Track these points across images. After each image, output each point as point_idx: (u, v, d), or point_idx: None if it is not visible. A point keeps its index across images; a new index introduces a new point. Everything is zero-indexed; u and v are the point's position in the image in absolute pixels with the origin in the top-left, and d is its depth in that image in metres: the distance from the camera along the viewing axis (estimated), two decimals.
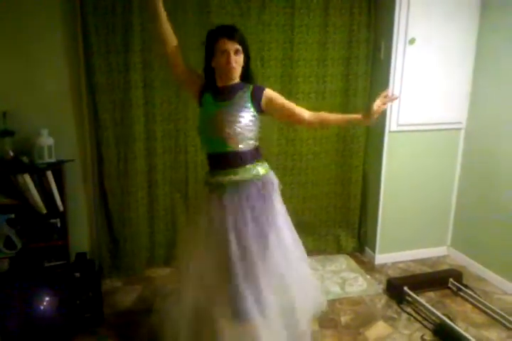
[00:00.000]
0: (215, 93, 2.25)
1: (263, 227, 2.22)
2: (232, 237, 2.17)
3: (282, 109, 2.25)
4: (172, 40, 2.26)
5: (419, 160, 3.69)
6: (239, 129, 2.17)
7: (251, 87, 2.24)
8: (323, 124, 2.36)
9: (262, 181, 2.27)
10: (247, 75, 2.26)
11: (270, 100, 2.23)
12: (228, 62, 2.12)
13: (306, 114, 2.25)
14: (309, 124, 2.29)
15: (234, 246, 2.17)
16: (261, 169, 2.29)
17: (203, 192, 2.37)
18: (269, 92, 2.24)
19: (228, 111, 2.18)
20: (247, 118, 2.19)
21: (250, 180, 2.24)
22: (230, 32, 2.13)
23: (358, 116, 2.25)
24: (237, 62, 2.15)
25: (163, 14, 2.19)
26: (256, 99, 2.21)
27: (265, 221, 2.24)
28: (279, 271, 2.26)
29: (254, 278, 2.18)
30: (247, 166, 2.25)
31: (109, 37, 3.09)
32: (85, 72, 3.15)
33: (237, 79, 2.23)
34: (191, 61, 3.28)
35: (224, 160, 2.25)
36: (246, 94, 2.22)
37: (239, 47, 2.13)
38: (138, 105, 3.25)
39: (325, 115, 2.26)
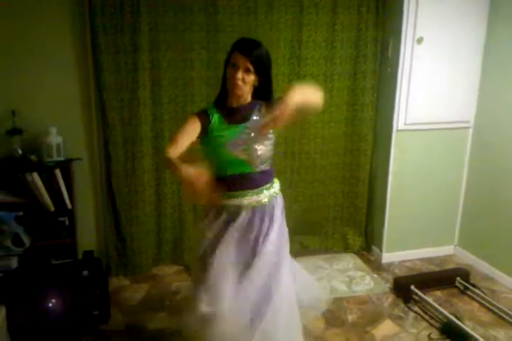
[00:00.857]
0: (227, 114, 2.09)
1: (256, 246, 2.13)
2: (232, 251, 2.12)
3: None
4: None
5: (427, 159, 3.68)
6: (260, 152, 2.08)
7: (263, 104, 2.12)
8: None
9: (276, 200, 2.20)
10: (263, 95, 2.11)
11: None
12: (233, 77, 1.98)
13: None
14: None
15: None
16: (276, 187, 2.23)
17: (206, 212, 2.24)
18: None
19: (248, 134, 2.06)
20: (268, 139, 2.10)
21: (269, 200, 2.16)
22: (247, 47, 1.99)
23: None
24: (244, 80, 1.99)
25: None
26: None
27: (261, 240, 2.13)
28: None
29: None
30: (267, 186, 2.17)
31: (117, 36, 3.10)
32: (93, 71, 3.16)
33: (248, 99, 2.09)
34: (195, 63, 3.30)
35: (246, 180, 2.12)
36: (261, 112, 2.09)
37: (250, 66, 1.97)
38: (145, 104, 3.26)
39: None
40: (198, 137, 2.04)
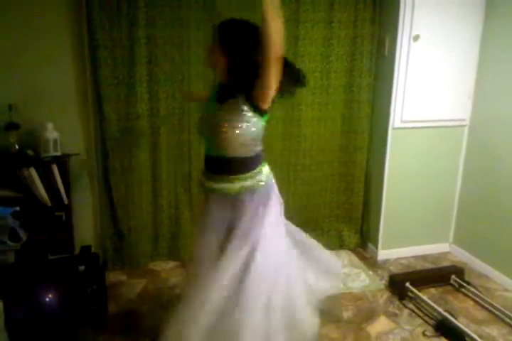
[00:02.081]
0: (219, 91, 2.15)
1: (236, 240, 2.08)
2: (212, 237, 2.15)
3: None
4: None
5: (423, 157, 3.69)
6: (235, 134, 1.99)
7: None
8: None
9: (256, 192, 2.11)
10: (236, 77, 2.03)
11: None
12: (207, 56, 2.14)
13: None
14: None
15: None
16: (259, 178, 2.13)
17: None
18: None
19: (225, 114, 2.02)
20: (246, 122, 2.00)
21: (243, 191, 2.09)
22: (221, 25, 2.04)
23: None
24: (213, 62, 2.06)
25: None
26: (249, 98, 2.00)
27: (241, 235, 2.08)
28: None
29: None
30: (243, 175, 2.09)
31: (114, 31, 3.09)
32: (90, 65, 3.16)
33: (225, 79, 2.09)
34: (193, 58, 3.30)
35: (217, 164, 2.11)
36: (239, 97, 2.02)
37: (215, 46, 2.02)
38: (142, 99, 3.26)
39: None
40: None
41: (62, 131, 3.10)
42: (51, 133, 3.02)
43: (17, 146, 3.01)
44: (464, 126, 3.72)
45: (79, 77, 3.19)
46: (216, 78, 2.20)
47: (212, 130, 2.04)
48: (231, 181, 2.09)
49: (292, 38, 3.45)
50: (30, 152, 3.01)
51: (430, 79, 3.51)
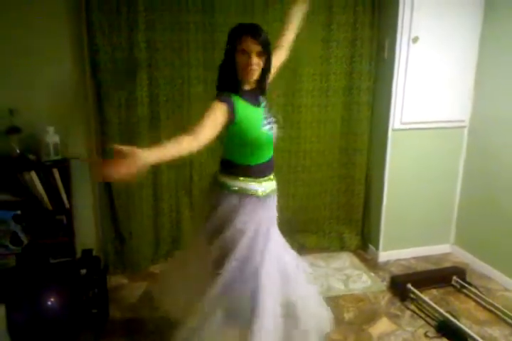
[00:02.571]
0: (247, 97, 2.09)
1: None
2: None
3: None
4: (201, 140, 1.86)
5: (423, 158, 3.70)
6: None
7: None
8: (292, 23, 2.40)
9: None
10: (261, 79, 2.12)
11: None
12: (249, 63, 1.99)
13: (277, 50, 2.33)
14: (290, 37, 2.40)
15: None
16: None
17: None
18: None
19: (269, 117, 2.15)
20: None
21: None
22: (256, 31, 1.99)
23: None
24: (259, 64, 2.02)
25: (166, 152, 1.80)
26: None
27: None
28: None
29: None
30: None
31: (113, 34, 3.10)
32: (90, 69, 3.16)
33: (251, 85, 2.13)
34: (192, 61, 3.31)
35: (270, 166, 2.21)
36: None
37: (261, 49, 1.99)
38: (143, 103, 3.27)
39: (287, 23, 2.37)
40: (225, 126, 1.97)
41: (63, 135, 3.11)
42: (52, 137, 3.03)
43: (18, 150, 3.02)
44: (464, 127, 3.72)
45: (79, 81, 3.20)
46: (243, 83, 2.08)
47: (274, 134, 2.14)
48: (273, 180, 2.23)
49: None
50: (31, 156, 3.02)
51: (429, 81, 3.52)
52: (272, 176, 2.22)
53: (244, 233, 2.08)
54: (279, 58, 2.32)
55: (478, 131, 3.65)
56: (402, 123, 3.54)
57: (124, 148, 1.56)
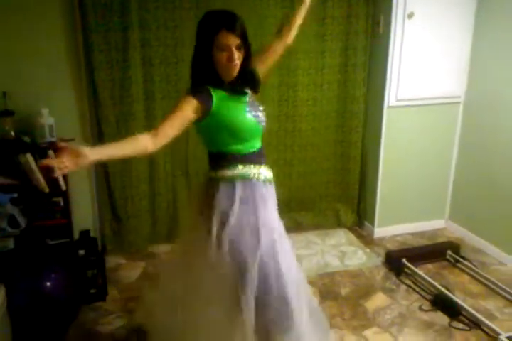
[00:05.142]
0: (229, 88, 1.91)
1: None
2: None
3: (262, 59, 2.15)
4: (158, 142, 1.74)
5: (418, 135, 3.71)
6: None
7: None
8: (296, 22, 2.26)
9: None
10: (244, 73, 1.91)
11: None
12: (230, 60, 1.80)
13: (277, 40, 2.23)
14: (288, 39, 2.26)
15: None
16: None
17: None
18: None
19: (255, 102, 2.02)
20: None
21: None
22: (232, 22, 1.78)
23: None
24: (240, 58, 1.83)
25: (118, 150, 1.66)
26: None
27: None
28: None
29: None
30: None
31: (106, 16, 3.07)
32: (84, 50, 3.14)
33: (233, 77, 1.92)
34: (186, 58, 3.27)
35: (261, 155, 2.05)
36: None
37: (241, 42, 1.80)
38: (137, 83, 3.25)
39: (291, 18, 2.25)
40: (198, 120, 1.84)
41: (58, 117, 3.06)
42: (47, 119, 3.01)
43: (13, 133, 3.00)
44: (459, 103, 3.73)
45: (72, 62, 3.17)
46: (223, 77, 1.88)
47: (262, 123, 2.01)
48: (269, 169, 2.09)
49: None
50: (26, 138, 3.00)
51: (425, 57, 3.50)
52: (267, 165, 2.07)
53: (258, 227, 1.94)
54: (269, 59, 2.21)
55: (474, 107, 3.65)
56: (397, 100, 3.53)
57: (71, 146, 1.49)
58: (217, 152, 1.98)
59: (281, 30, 2.23)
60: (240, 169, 1.95)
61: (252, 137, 1.97)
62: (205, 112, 1.82)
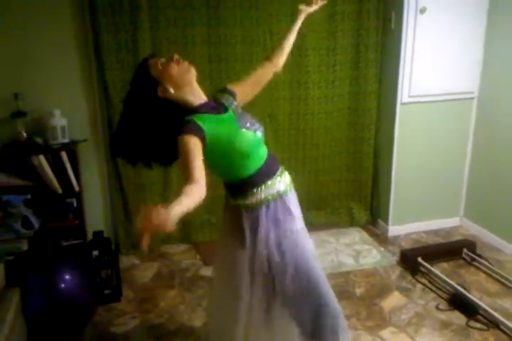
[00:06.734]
0: (207, 108, 1.85)
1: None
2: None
3: (248, 83, 2.11)
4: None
5: (432, 131, 3.66)
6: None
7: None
8: (285, 49, 2.21)
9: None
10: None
11: (238, 86, 2.06)
12: (167, 61, 1.82)
13: (267, 63, 2.16)
14: (278, 64, 2.18)
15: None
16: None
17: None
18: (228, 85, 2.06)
19: (243, 112, 1.99)
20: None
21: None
22: (151, 55, 1.91)
23: (300, 16, 2.27)
24: (178, 60, 1.86)
25: (187, 207, 1.60)
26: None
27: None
28: None
29: None
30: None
31: (116, 15, 3.06)
32: (94, 50, 3.14)
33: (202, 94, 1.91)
34: (197, 56, 3.27)
35: (273, 161, 1.99)
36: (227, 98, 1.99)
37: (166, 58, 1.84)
38: None
39: (282, 44, 2.21)
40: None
41: (70, 118, 3.09)
42: (59, 120, 3.02)
43: (25, 134, 3.01)
44: (473, 98, 3.67)
45: (83, 63, 3.17)
46: (191, 99, 1.83)
47: (259, 131, 1.94)
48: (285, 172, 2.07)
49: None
50: (38, 140, 3.01)
51: (438, 52, 3.45)
52: (282, 169, 2.02)
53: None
54: (265, 73, 2.18)
55: (487, 102, 3.60)
56: (410, 97, 3.49)
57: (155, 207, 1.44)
58: (233, 181, 1.94)
59: (271, 56, 2.20)
60: (260, 192, 1.91)
61: (257, 147, 1.90)
62: (205, 143, 1.73)
